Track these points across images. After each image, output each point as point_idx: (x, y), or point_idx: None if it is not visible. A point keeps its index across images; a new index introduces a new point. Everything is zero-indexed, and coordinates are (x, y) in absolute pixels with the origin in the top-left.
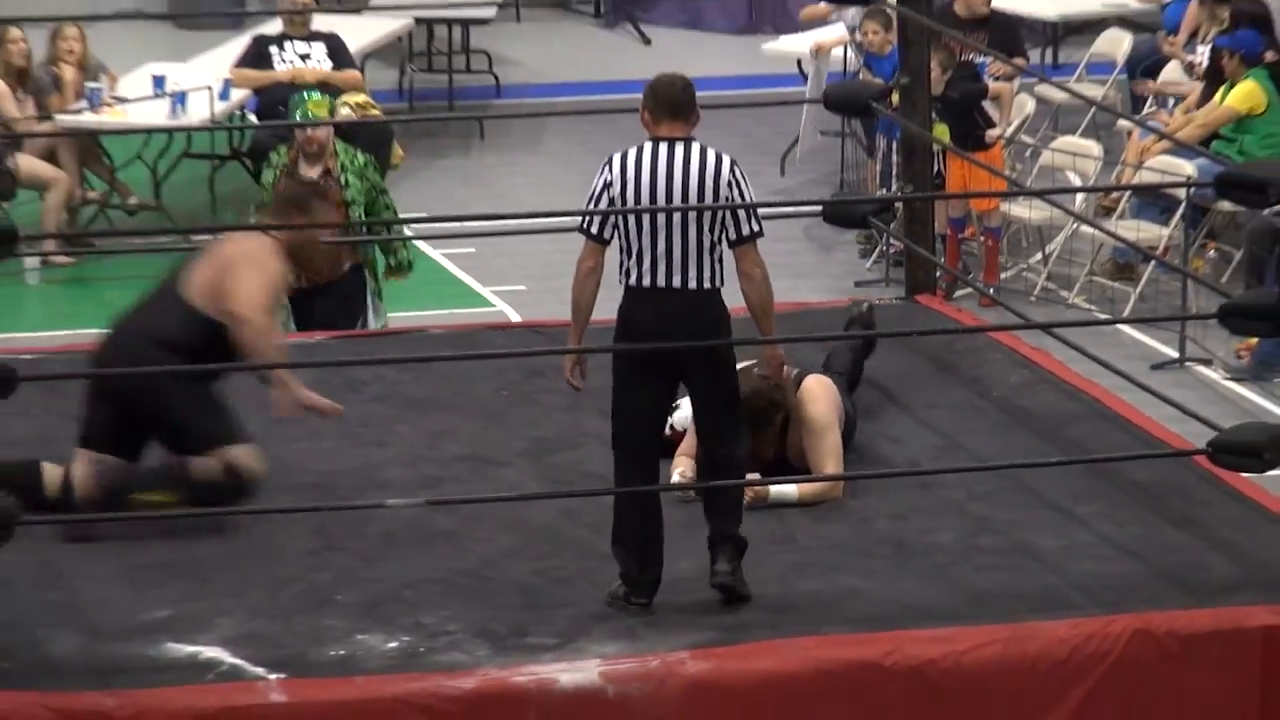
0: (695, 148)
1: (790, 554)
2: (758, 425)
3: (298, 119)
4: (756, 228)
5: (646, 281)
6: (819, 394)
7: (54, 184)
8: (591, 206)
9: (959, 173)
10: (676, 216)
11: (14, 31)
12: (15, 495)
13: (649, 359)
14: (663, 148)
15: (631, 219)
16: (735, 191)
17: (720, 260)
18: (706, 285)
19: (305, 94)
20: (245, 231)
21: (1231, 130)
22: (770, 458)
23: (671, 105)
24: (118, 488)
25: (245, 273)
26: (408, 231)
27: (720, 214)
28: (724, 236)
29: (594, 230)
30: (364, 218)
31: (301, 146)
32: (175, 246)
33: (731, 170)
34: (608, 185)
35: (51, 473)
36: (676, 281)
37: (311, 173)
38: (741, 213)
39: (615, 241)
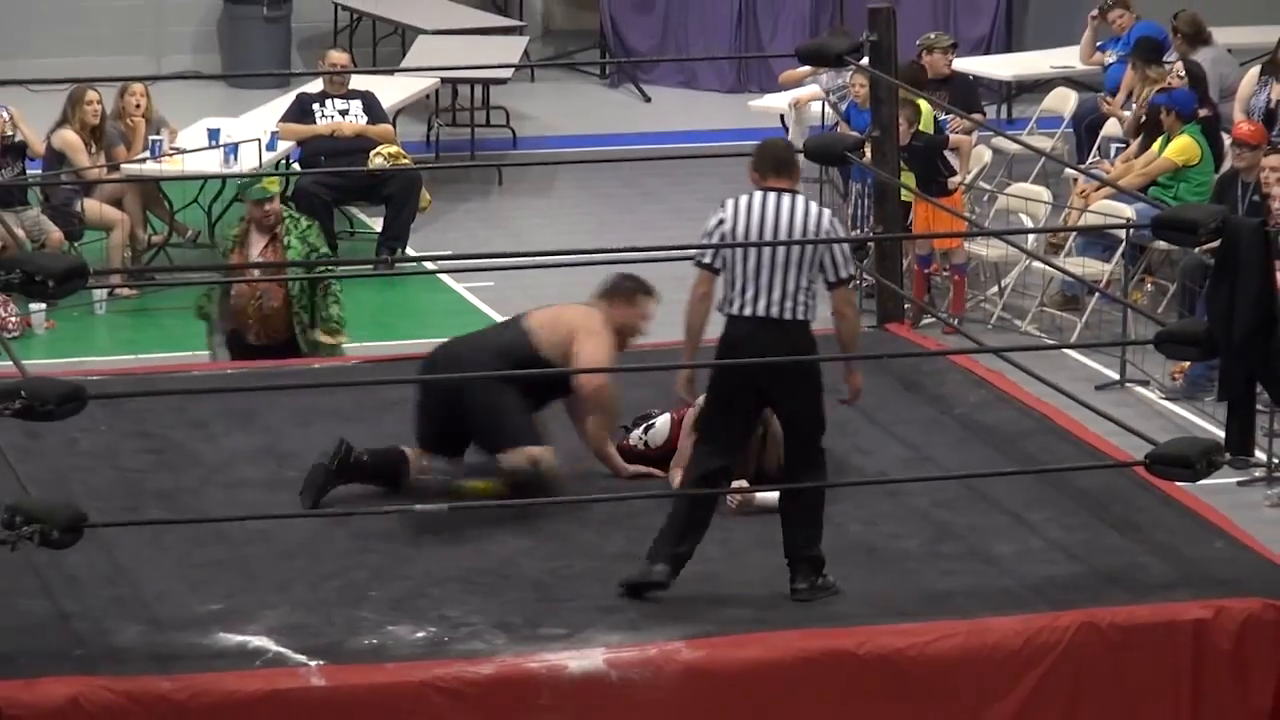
0: (799, 199)
1: (775, 557)
2: None
3: (248, 194)
4: (852, 271)
5: (748, 311)
6: None
7: (116, 225)
8: (706, 241)
9: (924, 215)
10: (780, 256)
11: (91, 93)
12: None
13: (744, 379)
14: (770, 197)
15: (739, 255)
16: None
17: (814, 297)
18: (800, 317)
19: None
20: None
21: (1168, 178)
22: (751, 472)
23: (776, 163)
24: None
25: (589, 345)
26: (434, 270)
27: (819, 258)
28: (823, 279)
29: (706, 260)
30: (309, 288)
31: (259, 220)
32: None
33: (831, 221)
34: (721, 223)
35: (414, 459)
36: (775, 312)
37: (260, 242)
38: (839, 258)
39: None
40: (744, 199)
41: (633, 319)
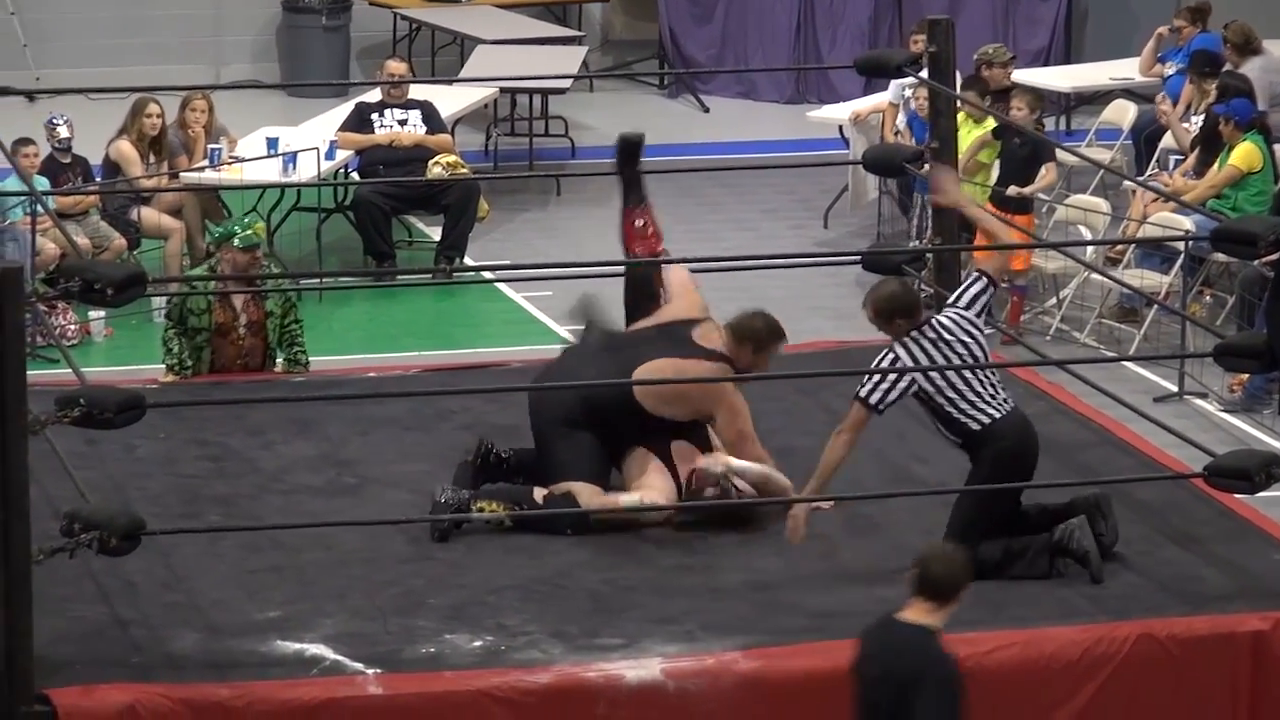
0: (945, 314)
1: (833, 568)
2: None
3: (238, 241)
4: None
5: (997, 411)
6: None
7: (172, 233)
8: (892, 391)
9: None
10: (982, 358)
11: (153, 106)
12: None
13: (1030, 463)
14: (930, 326)
15: (957, 380)
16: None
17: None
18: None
19: (245, 220)
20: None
21: (1227, 187)
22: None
23: (906, 305)
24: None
25: (728, 419)
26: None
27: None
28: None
29: (882, 406)
30: (280, 326)
31: (244, 269)
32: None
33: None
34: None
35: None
36: (1009, 400)
37: (241, 297)
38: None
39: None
40: (910, 346)
41: (760, 364)
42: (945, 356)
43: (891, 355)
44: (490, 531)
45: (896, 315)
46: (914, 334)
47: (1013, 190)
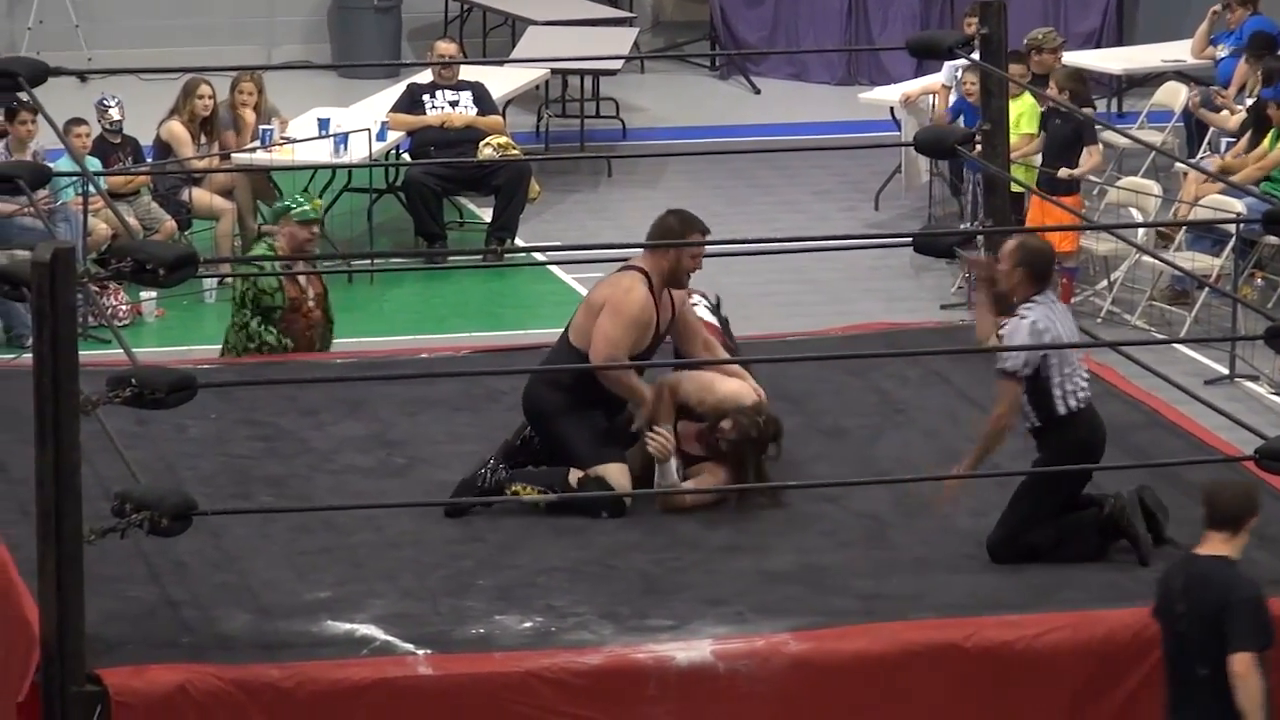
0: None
1: (882, 551)
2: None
3: (296, 215)
4: None
5: (1078, 402)
6: None
7: (223, 214)
8: (1030, 351)
9: (1039, 214)
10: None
11: (205, 87)
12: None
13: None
14: (1057, 307)
15: (1057, 359)
16: None
17: None
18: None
19: (304, 199)
20: (620, 272)
21: (1278, 171)
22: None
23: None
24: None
25: (603, 316)
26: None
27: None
28: None
29: (1028, 371)
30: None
31: (302, 244)
32: (336, 270)
33: None
34: (1045, 330)
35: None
36: (1088, 393)
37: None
38: None
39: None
40: (1044, 309)
41: (682, 257)
42: (1067, 326)
43: (1031, 317)
44: (536, 513)
45: (1032, 273)
46: (1054, 305)
47: (1063, 173)
